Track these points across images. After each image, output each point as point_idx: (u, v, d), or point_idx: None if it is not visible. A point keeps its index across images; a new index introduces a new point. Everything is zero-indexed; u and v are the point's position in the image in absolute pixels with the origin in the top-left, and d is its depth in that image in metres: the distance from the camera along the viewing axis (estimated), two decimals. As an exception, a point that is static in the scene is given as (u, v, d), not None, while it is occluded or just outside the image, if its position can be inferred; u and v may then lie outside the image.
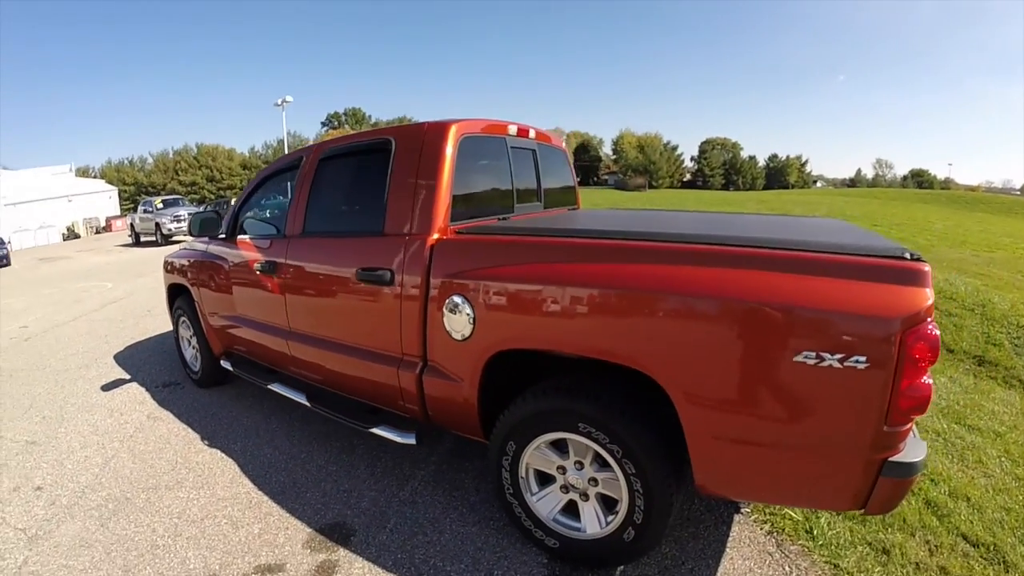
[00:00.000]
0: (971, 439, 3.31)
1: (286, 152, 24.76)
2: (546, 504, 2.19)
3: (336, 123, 72.42)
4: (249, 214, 3.59)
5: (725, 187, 75.79)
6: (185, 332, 4.46)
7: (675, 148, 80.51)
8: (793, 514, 2.46)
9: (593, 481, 2.05)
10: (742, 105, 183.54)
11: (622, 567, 2.15)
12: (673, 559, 2.21)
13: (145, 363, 5.19)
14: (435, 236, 2.27)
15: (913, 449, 1.67)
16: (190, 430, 3.59)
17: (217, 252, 3.72)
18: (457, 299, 2.12)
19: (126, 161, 58.65)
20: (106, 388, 4.54)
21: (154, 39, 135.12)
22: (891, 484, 1.63)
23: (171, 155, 58.69)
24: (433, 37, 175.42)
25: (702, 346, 1.70)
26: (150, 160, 59.06)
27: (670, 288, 1.73)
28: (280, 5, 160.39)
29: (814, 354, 1.57)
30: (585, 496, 2.10)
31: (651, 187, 62.90)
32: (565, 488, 2.14)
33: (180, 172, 55.95)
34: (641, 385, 1.86)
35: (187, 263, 4.15)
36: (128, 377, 4.80)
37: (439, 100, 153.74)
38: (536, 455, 2.13)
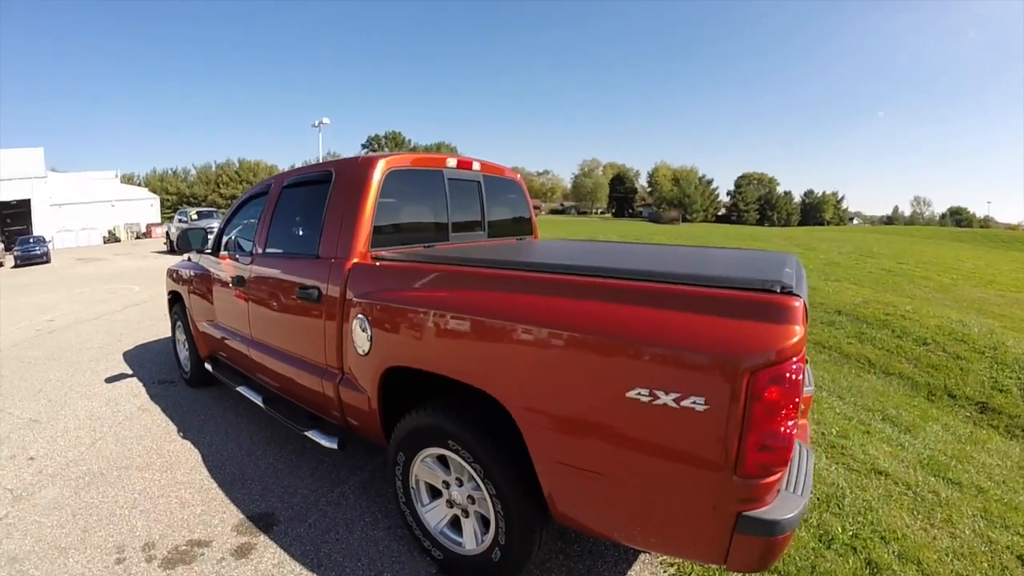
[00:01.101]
0: (947, 494, 3.09)
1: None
2: (434, 516, 2.34)
3: (376, 146, 74.42)
4: (232, 232, 4.02)
5: (760, 223, 76.09)
6: (180, 336, 4.96)
7: (710, 182, 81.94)
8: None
9: (471, 499, 2.16)
10: (779, 140, 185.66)
11: None
12: (561, 591, 2.23)
13: (149, 361, 5.71)
14: (354, 260, 2.54)
15: (783, 505, 1.53)
16: (171, 422, 4.03)
17: (205, 265, 4.22)
18: (361, 317, 2.37)
19: (170, 171, 61.81)
20: (109, 380, 5.06)
21: (204, 57, 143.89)
22: (751, 542, 1.49)
23: (213, 168, 61.59)
24: (474, 71, 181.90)
25: (537, 372, 1.74)
26: (193, 172, 62.17)
27: (506, 314, 1.83)
28: (330, 32, 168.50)
29: (647, 391, 1.51)
30: (466, 512, 2.20)
31: (685, 220, 63.14)
32: (450, 503, 2.27)
33: (222, 185, 58.59)
34: (500, 408, 1.89)
35: (183, 274, 4.67)
36: (131, 372, 5.32)
37: (478, 130, 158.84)
38: (423, 468, 2.30)
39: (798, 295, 1.49)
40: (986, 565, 2.50)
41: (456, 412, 2.09)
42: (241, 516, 2.80)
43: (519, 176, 4.00)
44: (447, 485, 2.27)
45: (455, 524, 2.30)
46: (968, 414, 4.67)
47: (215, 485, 3.12)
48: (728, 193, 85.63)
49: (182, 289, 4.69)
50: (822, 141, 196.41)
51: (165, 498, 2.98)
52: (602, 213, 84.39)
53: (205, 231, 4.39)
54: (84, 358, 5.86)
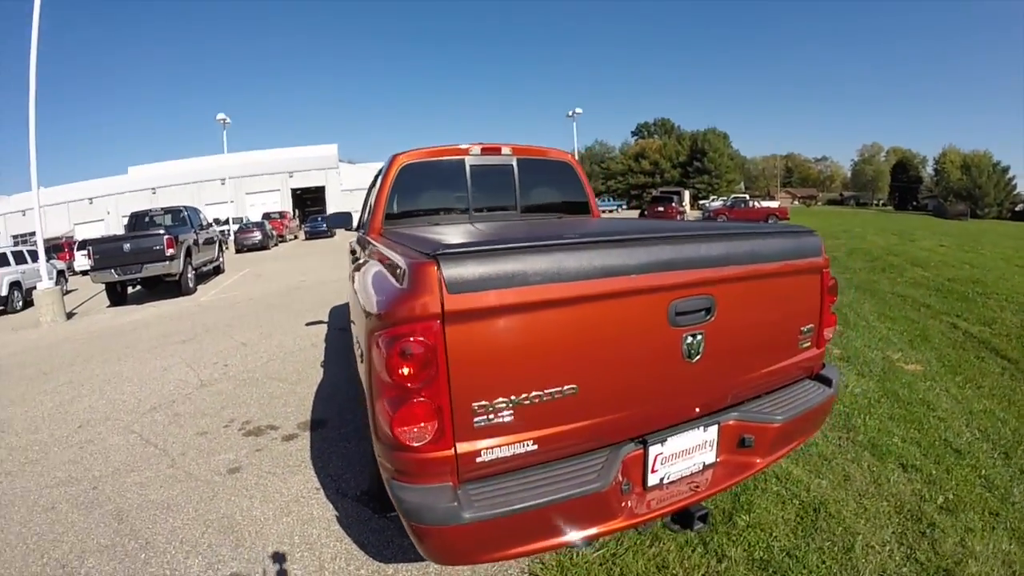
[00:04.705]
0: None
1: (579, 159, 29.21)
2: None
3: (645, 133, 73.56)
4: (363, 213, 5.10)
5: (1073, 223, 53.49)
6: (350, 294, 6.38)
7: (1006, 170, 60.62)
8: (563, 559, 2.19)
9: None
10: None
11: None
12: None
13: (344, 314, 7.40)
14: (373, 232, 3.27)
15: (427, 494, 1.37)
16: (322, 355, 5.36)
17: (353, 239, 5.41)
18: (359, 267, 3.08)
19: (443, 162, 72.69)
20: (308, 324, 6.82)
21: (474, 51, 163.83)
22: (400, 515, 1.44)
23: (479, 155, 70.08)
24: (746, 49, 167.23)
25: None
26: (457, 163, 71.80)
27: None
28: (597, 22, 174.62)
29: (367, 331, 1.64)
30: None
31: (974, 216, 48.58)
32: None
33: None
34: None
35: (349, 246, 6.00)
36: (326, 321, 7.03)
37: (750, 113, 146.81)
38: None
39: (438, 260, 1.29)
40: None
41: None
42: (308, 418, 3.75)
43: (570, 157, 4.09)
44: None
45: None
46: None
47: (311, 397, 4.17)
48: (1032, 185, 62.51)
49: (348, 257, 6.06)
50: None
51: (278, 400, 4.13)
52: (883, 205, 69.77)
53: (348, 213, 5.60)
54: (305, 307, 7.93)
